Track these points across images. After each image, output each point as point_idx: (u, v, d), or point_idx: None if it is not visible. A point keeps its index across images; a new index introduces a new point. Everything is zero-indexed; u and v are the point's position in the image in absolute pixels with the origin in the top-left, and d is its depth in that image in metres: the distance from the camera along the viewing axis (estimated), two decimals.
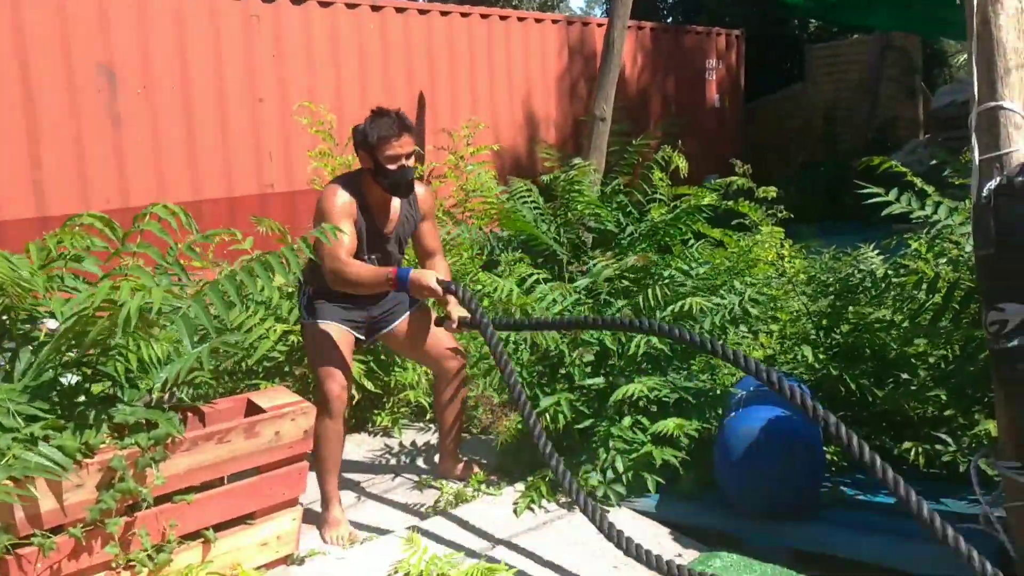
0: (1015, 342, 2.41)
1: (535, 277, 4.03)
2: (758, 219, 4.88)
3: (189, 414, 2.59)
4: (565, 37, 9.73)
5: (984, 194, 2.52)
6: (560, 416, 3.28)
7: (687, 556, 2.94)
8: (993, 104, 2.66)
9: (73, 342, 2.20)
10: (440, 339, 3.45)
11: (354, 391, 4.11)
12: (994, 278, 2.50)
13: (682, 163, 5.31)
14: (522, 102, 9.32)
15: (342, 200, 3.13)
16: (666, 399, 3.37)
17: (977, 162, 2.68)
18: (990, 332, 2.49)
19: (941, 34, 11.92)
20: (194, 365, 2.52)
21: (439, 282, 3.06)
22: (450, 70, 8.51)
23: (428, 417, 4.26)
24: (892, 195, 3.52)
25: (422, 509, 3.36)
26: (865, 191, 3.51)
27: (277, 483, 2.72)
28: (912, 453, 3.05)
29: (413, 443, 4.03)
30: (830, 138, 12.84)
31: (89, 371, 2.42)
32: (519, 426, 3.54)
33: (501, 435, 3.55)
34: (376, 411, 4.22)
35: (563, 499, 3.28)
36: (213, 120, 6.77)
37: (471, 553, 2.91)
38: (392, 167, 3.11)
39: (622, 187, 5.75)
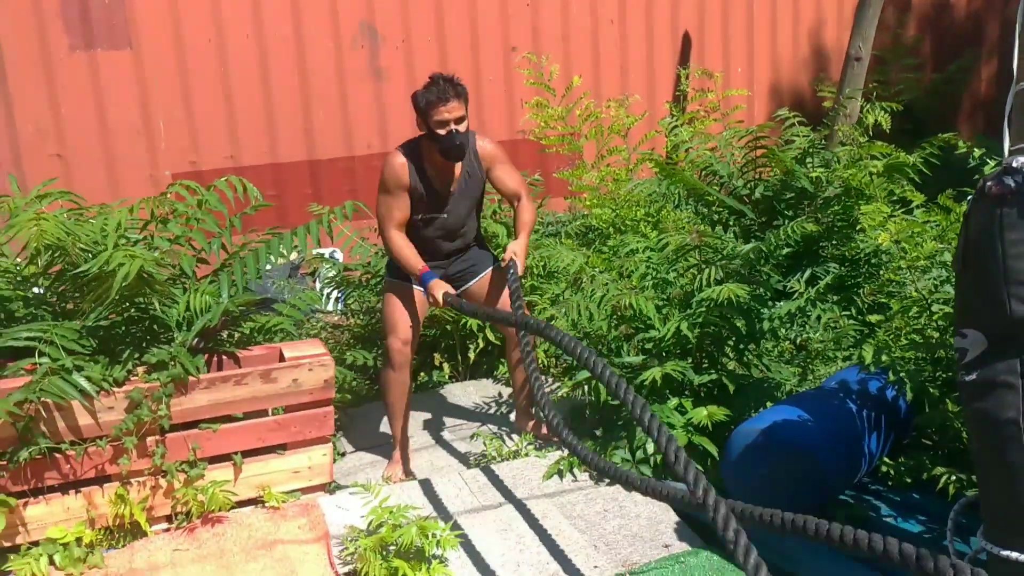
0: (974, 376, 2.04)
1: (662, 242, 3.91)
2: (903, 192, 4.23)
3: (225, 357, 3.11)
4: None
5: (969, 199, 2.12)
6: (595, 391, 3.31)
7: (675, 548, 2.89)
8: None
9: (101, 295, 2.78)
10: (508, 301, 3.62)
11: (480, 341, 4.44)
12: (960, 298, 2.11)
13: (882, 118, 4.73)
14: (808, 35, 8.63)
15: (397, 168, 3.34)
16: (724, 383, 3.25)
17: (1007, 155, 2.23)
18: (956, 359, 2.12)
19: None
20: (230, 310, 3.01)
21: (445, 296, 3.26)
22: (722, 2, 8.12)
23: (552, 374, 4.43)
24: None
25: (473, 459, 3.61)
26: None
27: (302, 423, 3.14)
28: (943, 480, 2.65)
29: None
30: None
31: (146, 316, 3.02)
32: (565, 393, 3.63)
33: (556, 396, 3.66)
34: (503, 359, 4.49)
35: None
36: (466, 70, 7.24)
37: (486, 507, 3.14)
38: (441, 132, 3.25)
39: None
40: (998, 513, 2.00)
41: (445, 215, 3.47)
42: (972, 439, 2.10)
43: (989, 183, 2.00)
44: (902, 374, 2.96)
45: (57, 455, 2.81)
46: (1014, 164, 1.95)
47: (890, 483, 3.01)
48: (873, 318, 3.51)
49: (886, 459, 3.07)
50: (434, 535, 2.69)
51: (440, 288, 3.30)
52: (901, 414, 3.14)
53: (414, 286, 3.51)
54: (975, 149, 3.21)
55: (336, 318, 5.52)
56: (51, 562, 2.77)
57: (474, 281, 3.63)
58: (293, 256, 3.81)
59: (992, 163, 3.19)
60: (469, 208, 3.54)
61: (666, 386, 3.25)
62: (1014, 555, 1.92)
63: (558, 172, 6.19)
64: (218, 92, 6.02)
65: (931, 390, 2.92)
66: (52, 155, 5.56)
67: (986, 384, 2.01)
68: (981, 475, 2.07)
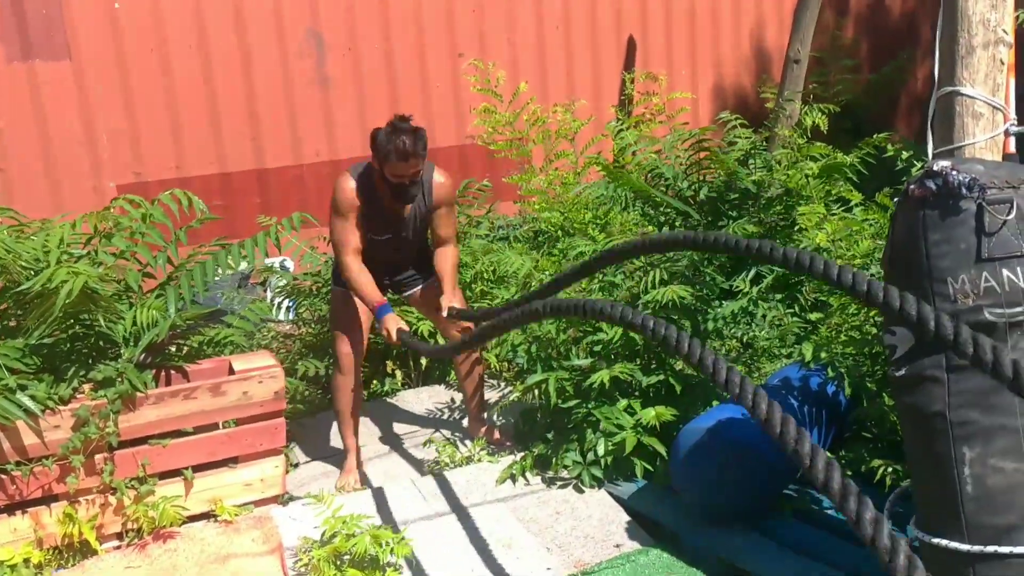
0: (903, 371, 2.13)
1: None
2: (841, 191, 4.36)
3: (174, 372, 3.09)
4: None
5: (896, 200, 2.21)
6: (546, 394, 3.35)
7: (626, 547, 2.95)
8: (950, 90, 2.30)
9: (44, 313, 2.76)
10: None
11: None
12: None
13: (819, 119, 4.86)
14: (750, 37, 8.80)
15: (350, 192, 3.28)
16: (671, 384, 3.31)
17: (931, 157, 2.33)
18: (886, 356, 2.20)
19: None
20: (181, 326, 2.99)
21: (399, 333, 3.23)
22: (664, 6, 8.24)
23: (504, 378, 4.47)
24: None
25: (427, 465, 3.64)
26: None
27: (253, 435, 3.14)
28: (880, 472, 2.74)
29: None
30: None
31: (92, 332, 2.99)
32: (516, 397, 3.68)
33: (499, 405, 3.71)
34: (453, 366, 4.51)
35: (548, 474, 3.38)
36: (413, 76, 7.25)
37: (440, 514, 3.17)
38: (394, 181, 3.21)
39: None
40: (928, 502, 2.08)
41: (399, 234, 3.45)
42: (903, 432, 2.18)
43: (912, 186, 2.09)
44: (841, 370, 3.06)
45: (2, 476, 2.78)
46: (935, 168, 2.04)
47: None
48: (814, 316, 3.61)
49: (828, 453, 3.15)
50: (388, 543, 2.71)
51: (394, 323, 3.27)
52: (841, 408, 3.23)
53: None
54: (903, 152, 3.32)
55: (287, 327, 5.50)
56: None
57: (416, 289, 3.64)
58: (243, 266, 3.79)
59: (918, 165, 3.30)
60: (422, 227, 3.53)
61: (615, 388, 3.31)
62: (943, 542, 2.00)
63: (507, 177, 6.23)
64: (162, 102, 5.95)
65: (869, 385, 3.01)
66: None
67: (914, 379, 2.10)
68: (912, 466, 2.15)
